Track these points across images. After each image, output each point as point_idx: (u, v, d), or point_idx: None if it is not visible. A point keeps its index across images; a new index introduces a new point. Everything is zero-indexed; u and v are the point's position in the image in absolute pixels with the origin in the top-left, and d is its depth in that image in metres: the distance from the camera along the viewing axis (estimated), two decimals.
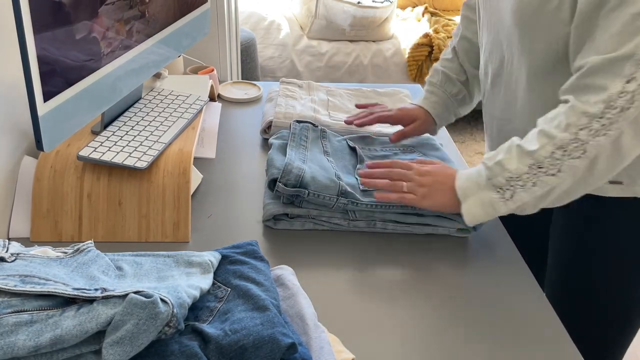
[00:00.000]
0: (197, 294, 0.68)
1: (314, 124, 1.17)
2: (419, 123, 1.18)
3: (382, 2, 3.07)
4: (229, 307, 0.69)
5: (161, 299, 0.60)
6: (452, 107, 1.20)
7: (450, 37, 3.06)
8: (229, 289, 0.72)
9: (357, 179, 1.04)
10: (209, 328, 0.65)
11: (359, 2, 3.03)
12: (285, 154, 1.06)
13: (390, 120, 1.18)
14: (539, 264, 1.16)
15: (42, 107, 0.79)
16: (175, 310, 0.61)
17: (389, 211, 0.98)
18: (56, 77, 0.80)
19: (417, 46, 3.05)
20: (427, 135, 1.22)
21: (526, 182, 0.85)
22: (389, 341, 0.78)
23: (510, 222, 1.04)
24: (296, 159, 1.02)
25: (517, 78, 0.97)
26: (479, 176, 0.90)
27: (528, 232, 1.16)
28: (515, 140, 0.88)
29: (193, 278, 0.72)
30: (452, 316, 0.83)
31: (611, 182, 0.93)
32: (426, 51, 3.04)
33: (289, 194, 0.96)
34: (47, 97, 0.79)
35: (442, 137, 1.33)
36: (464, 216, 0.91)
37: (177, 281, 0.70)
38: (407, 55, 3.07)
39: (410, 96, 1.46)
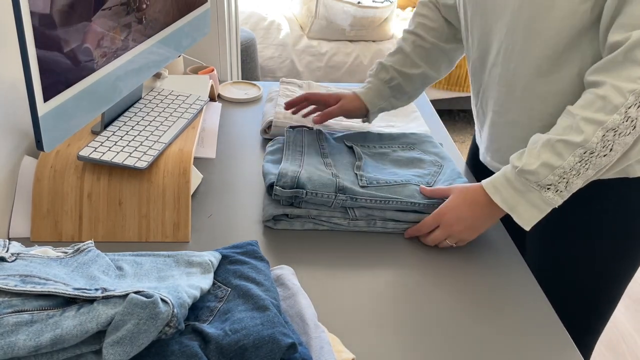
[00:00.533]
0: (197, 294, 0.68)
1: (308, 127, 1.19)
2: (343, 102, 1.21)
3: (382, 2, 3.07)
4: (229, 307, 0.69)
5: (161, 299, 0.60)
6: (385, 93, 1.21)
7: None
8: (229, 289, 0.72)
9: (356, 174, 1.04)
10: (209, 328, 0.65)
11: (359, 2, 3.03)
12: (279, 164, 1.06)
13: (332, 116, 1.21)
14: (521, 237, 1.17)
15: (42, 107, 0.79)
16: (175, 310, 0.61)
17: (389, 207, 0.98)
18: (56, 77, 0.80)
19: None
20: (426, 133, 1.24)
21: (579, 169, 0.85)
22: (389, 341, 0.78)
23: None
24: (291, 165, 1.02)
25: (517, 68, 0.95)
26: (516, 181, 0.88)
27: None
28: (543, 137, 0.88)
29: (193, 278, 0.72)
30: (452, 315, 0.83)
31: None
32: None
33: (287, 196, 0.96)
34: (47, 97, 0.79)
35: (442, 137, 1.33)
36: (520, 223, 0.89)
37: (178, 281, 0.70)
38: None
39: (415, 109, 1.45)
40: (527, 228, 0.89)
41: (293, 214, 0.98)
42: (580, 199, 0.96)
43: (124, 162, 0.93)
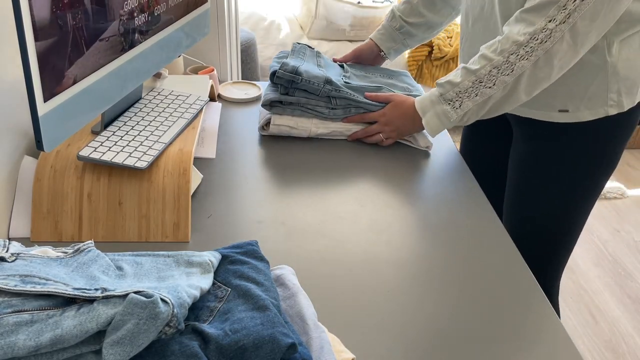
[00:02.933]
0: (197, 293, 0.68)
1: (310, 47, 1.43)
2: (358, 48, 1.49)
3: (382, 2, 3.07)
4: (229, 307, 0.69)
5: (161, 299, 0.60)
6: (396, 37, 1.46)
7: (451, 37, 3.07)
8: (229, 289, 0.72)
9: (341, 78, 1.33)
10: (209, 328, 0.65)
11: (359, 2, 3.03)
12: None
13: (346, 59, 1.50)
14: (497, 196, 1.40)
15: (42, 107, 0.79)
16: (175, 310, 0.61)
17: (362, 100, 1.26)
18: (56, 77, 0.80)
19: (417, 46, 3.04)
20: (405, 71, 1.51)
21: (470, 93, 1.10)
22: (389, 341, 0.78)
23: (475, 159, 1.42)
24: (292, 62, 1.27)
25: (495, 19, 1.15)
26: (432, 95, 1.17)
27: (489, 167, 1.44)
28: (461, 65, 1.14)
29: (193, 278, 0.72)
30: (452, 315, 0.83)
31: (559, 111, 1.15)
32: (426, 51, 3.04)
33: (286, 79, 1.21)
34: (47, 97, 0.79)
35: (443, 137, 1.33)
36: (425, 127, 1.19)
37: (177, 281, 0.70)
38: (407, 55, 3.07)
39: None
40: (431, 132, 1.18)
41: (287, 100, 1.23)
42: (546, 138, 1.21)
43: (124, 162, 0.93)
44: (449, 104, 1.13)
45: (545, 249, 1.31)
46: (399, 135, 1.25)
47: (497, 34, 1.14)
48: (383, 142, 1.26)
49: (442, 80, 1.15)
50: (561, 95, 1.14)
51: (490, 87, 1.08)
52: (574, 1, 0.98)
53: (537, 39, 1.02)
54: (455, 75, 1.13)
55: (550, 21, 1.00)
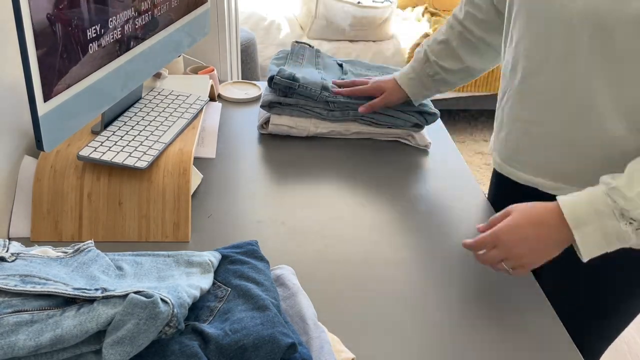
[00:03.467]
0: (197, 293, 0.68)
1: (310, 45, 1.42)
2: (386, 94, 1.23)
3: (382, 2, 3.07)
4: (229, 307, 0.69)
5: (161, 299, 0.60)
6: (428, 85, 1.21)
7: None
8: (229, 289, 0.72)
9: (340, 80, 1.30)
10: (209, 328, 0.65)
11: (359, 2, 3.03)
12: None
13: (365, 93, 1.25)
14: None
15: (42, 107, 0.79)
16: (175, 311, 0.61)
17: (360, 102, 1.24)
18: (56, 77, 0.80)
19: (417, 46, 3.04)
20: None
21: None
22: (389, 341, 0.78)
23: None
24: (290, 68, 1.27)
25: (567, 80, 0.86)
26: (601, 203, 0.77)
27: None
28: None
29: (193, 278, 0.72)
30: (452, 315, 0.83)
31: None
32: None
33: (283, 85, 1.21)
34: (47, 97, 0.79)
35: (443, 137, 1.33)
36: (579, 246, 0.78)
37: (177, 281, 0.70)
38: (407, 55, 3.07)
39: None
40: (585, 257, 0.78)
41: (285, 102, 1.23)
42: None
43: (124, 162, 0.93)
44: (631, 223, 0.75)
45: (592, 329, 1.02)
46: (538, 257, 0.81)
47: (561, 98, 0.87)
48: (510, 272, 0.84)
49: (621, 184, 0.76)
50: None
51: None
52: None
53: None
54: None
55: None
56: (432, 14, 3.36)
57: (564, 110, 0.87)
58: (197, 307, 0.70)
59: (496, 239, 0.81)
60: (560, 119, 0.89)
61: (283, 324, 0.65)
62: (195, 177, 1.08)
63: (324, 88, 1.23)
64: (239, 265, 0.76)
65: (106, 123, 1.02)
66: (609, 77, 0.82)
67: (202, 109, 1.14)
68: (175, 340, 0.63)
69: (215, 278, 0.75)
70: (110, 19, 0.91)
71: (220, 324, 0.66)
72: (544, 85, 0.90)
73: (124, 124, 1.03)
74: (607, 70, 0.81)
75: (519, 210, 0.82)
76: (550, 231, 0.79)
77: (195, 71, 1.48)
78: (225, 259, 0.78)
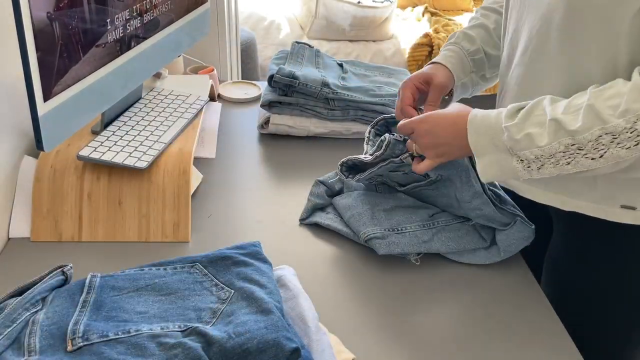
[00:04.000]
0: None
1: (309, 45, 1.41)
2: (436, 80, 1.00)
3: (382, 2, 3.06)
4: (233, 309, 0.69)
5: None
6: (467, 67, 1.03)
7: None
8: (233, 291, 0.72)
9: (340, 79, 1.30)
10: (212, 330, 0.65)
11: (359, 2, 3.03)
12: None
13: (411, 88, 1.01)
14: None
15: (42, 107, 0.79)
16: None
17: (360, 100, 1.23)
18: (56, 77, 0.80)
19: (417, 46, 3.04)
20: (404, 69, 1.43)
21: (559, 159, 0.75)
22: (389, 341, 0.78)
23: None
24: (290, 67, 1.26)
25: (542, 71, 0.84)
26: (495, 134, 0.79)
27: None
28: (548, 108, 0.76)
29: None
30: (452, 316, 0.83)
31: (623, 207, 0.83)
32: (426, 51, 3.04)
33: (283, 83, 1.20)
34: (47, 97, 0.79)
35: None
36: (478, 173, 0.82)
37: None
38: (407, 55, 3.07)
39: None
40: (484, 180, 0.83)
41: (285, 101, 1.22)
42: (601, 233, 0.88)
43: (124, 162, 0.93)
44: (521, 162, 0.78)
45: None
46: (436, 153, 0.86)
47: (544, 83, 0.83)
48: (418, 166, 0.88)
49: (515, 122, 0.77)
50: (630, 185, 0.82)
51: (593, 159, 0.73)
52: None
53: None
54: (537, 121, 0.76)
55: None
56: (432, 14, 3.36)
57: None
58: (200, 309, 0.70)
59: (414, 126, 0.87)
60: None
61: (287, 327, 0.65)
62: (195, 177, 1.08)
63: (324, 84, 1.22)
64: (242, 267, 0.76)
65: (106, 123, 1.02)
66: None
67: (202, 109, 1.14)
68: (178, 342, 0.63)
69: (218, 279, 0.74)
70: (110, 18, 0.91)
71: (223, 326, 0.66)
72: (523, 78, 0.88)
73: (124, 124, 1.03)
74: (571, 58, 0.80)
75: (437, 112, 0.88)
76: (455, 141, 0.84)
77: (195, 71, 1.48)
78: (228, 260, 0.77)
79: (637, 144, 0.70)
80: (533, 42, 0.84)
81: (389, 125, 1.04)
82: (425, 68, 1.04)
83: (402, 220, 0.94)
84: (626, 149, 0.71)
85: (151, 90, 1.17)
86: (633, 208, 0.83)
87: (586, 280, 0.93)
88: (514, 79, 0.90)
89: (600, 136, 0.71)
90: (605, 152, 0.72)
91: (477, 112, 0.82)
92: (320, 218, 1.00)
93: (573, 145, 0.73)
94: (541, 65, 0.84)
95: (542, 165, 0.76)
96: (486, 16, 1.06)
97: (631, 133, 0.70)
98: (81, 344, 0.64)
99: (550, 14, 0.80)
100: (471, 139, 0.81)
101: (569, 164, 0.75)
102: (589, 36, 0.77)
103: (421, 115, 0.88)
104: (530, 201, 0.92)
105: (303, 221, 1.01)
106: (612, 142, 0.71)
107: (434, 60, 1.05)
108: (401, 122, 0.90)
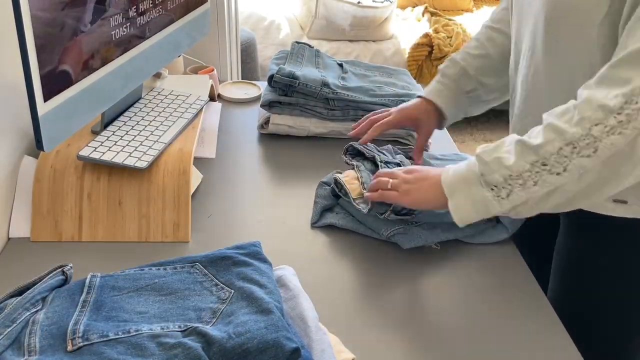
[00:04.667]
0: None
1: (309, 45, 1.42)
2: (424, 128, 1.08)
3: (382, 2, 3.06)
4: (233, 309, 0.69)
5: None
6: (462, 105, 1.09)
7: (451, 37, 3.07)
8: (233, 291, 0.72)
9: (340, 80, 1.30)
10: (212, 330, 0.65)
11: (359, 2, 3.03)
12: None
13: (390, 125, 1.09)
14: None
15: (42, 107, 0.79)
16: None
17: (360, 100, 1.23)
18: (56, 76, 0.80)
19: (417, 46, 3.04)
20: (404, 69, 1.44)
21: (527, 180, 0.76)
22: (389, 341, 0.78)
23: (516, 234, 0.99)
24: (290, 67, 1.26)
25: (536, 74, 0.89)
26: (469, 171, 0.82)
27: (532, 243, 1.05)
28: (514, 136, 0.80)
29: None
30: (452, 315, 0.83)
31: (615, 201, 0.85)
32: (426, 51, 3.04)
33: (283, 83, 1.20)
34: (47, 97, 0.79)
35: (443, 137, 1.33)
36: (452, 214, 0.83)
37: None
38: (407, 55, 3.07)
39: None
40: (459, 222, 0.83)
41: (285, 101, 1.22)
42: (608, 239, 0.90)
43: (124, 162, 0.93)
44: (492, 189, 0.79)
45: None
46: (414, 201, 0.88)
47: (539, 89, 0.87)
48: (383, 195, 0.90)
49: (487, 148, 0.82)
50: None
51: (558, 174, 0.75)
52: None
53: (637, 103, 0.70)
54: (505, 149, 0.79)
55: None
56: (432, 14, 3.36)
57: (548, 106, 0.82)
58: (200, 308, 0.70)
59: (393, 174, 0.91)
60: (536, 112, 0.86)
61: (287, 327, 0.65)
62: (195, 177, 1.08)
63: (324, 84, 1.22)
64: (242, 266, 0.76)
65: (106, 123, 1.02)
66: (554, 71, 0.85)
67: (202, 108, 1.14)
68: (178, 342, 0.63)
69: (218, 279, 0.74)
70: (110, 18, 0.91)
71: (223, 326, 0.66)
72: (525, 79, 0.91)
73: (124, 124, 1.03)
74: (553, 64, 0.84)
75: (426, 168, 0.92)
76: (434, 190, 0.85)
77: (195, 71, 1.48)
78: (228, 260, 0.77)
79: (596, 151, 0.72)
80: (529, 44, 0.89)
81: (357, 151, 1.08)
82: (413, 105, 1.08)
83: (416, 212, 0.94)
84: (587, 157, 0.73)
85: (151, 90, 1.17)
86: (624, 202, 0.85)
87: (590, 281, 0.94)
88: (520, 80, 0.93)
89: (561, 148, 0.74)
90: (568, 165, 0.74)
91: (450, 166, 0.87)
92: (333, 219, 1.00)
93: (537, 161, 0.76)
94: (535, 68, 0.88)
95: (511, 190, 0.78)
96: (491, 40, 1.07)
97: (589, 139, 0.73)
98: (81, 344, 0.64)
99: (537, 17, 0.84)
100: (444, 177, 0.84)
101: (535, 184, 0.76)
102: (567, 40, 0.81)
103: (406, 168, 0.93)
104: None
105: (315, 224, 1.00)
106: (572, 152, 0.74)
107: (426, 94, 1.08)
108: (385, 171, 0.93)
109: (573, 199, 0.78)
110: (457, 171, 0.84)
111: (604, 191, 0.76)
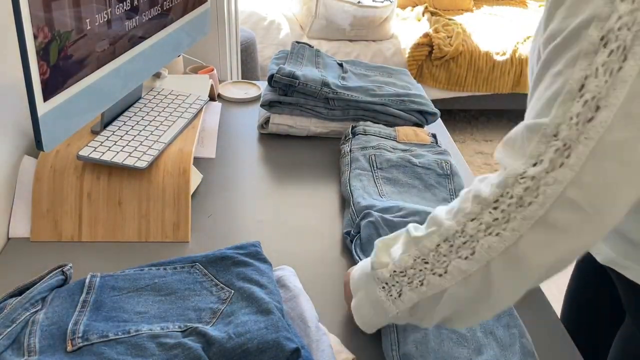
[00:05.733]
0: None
1: (309, 45, 1.42)
2: None
3: (382, 2, 3.07)
4: (233, 309, 0.69)
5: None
6: None
7: (451, 37, 3.07)
8: (233, 291, 0.72)
9: (340, 79, 1.30)
10: (212, 330, 0.65)
11: (359, 2, 3.03)
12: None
13: None
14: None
15: (42, 107, 0.79)
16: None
17: (361, 100, 1.23)
18: (56, 76, 0.80)
19: (417, 46, 3.04)
20: (404, 69, 1.45)
21: (412, 278, 0.62)
22: None
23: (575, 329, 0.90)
24: (290, 67, 1.26)
25: None
26: (367, 262, 0.70)
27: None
28: (411, 224, 0.67)
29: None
30: None
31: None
32: (426, 51, 3.04)
33: (284, 83, 1.21)
34: (47, 96, 0.79)
35: (442, 137, 1.33)
36: (354, 315, 0.72)
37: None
38: (407, 55, 3.07)
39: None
40: (361, 326, 0.71)
41: (285, 101, 1.23)
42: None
43: (124, 162, 0.93)
44: (383, 288, 0.65)
45: None
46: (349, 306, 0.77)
47: None
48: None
49: (382, 239, 0.70)
50: None
51: (440, 276, 0.60)
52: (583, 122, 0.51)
53: (512, 197, 0.55)
54: (396, 236, 0.69)
55: (534, 164, 0.54)
56: (432, 14, 3.36)
57: None
58: (200, 309, 0.70)
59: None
60: None
61: (287, 328, 0.65)
62: (195, 177, 1.08)
63: (324, 84, 1.22)
64: (242, 267, 0.76)
65: (106, 123, 1.02)
66: None
67: (201, 108, 1.14)
68: (178, 342, 0.63)
69: (218, 280, 0.74)
70: (110, 18, 0.91)
71: (223, 326, 0.66)
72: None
73: (124, 124, 1.03)
74: None
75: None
76: (349, 290, 0.75)
77: (195, 71, 1.48)
78: (228, 260, 0.77)
79: (474, 253, 0.57)
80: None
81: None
82: None
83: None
84: (465, 259, 0.58)
85: (151, 90, 1.17)
86: None
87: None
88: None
89: (439, 245, 0.60)
90: (448, 265, 0.59)
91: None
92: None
93: (419, 257, 0.62)
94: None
95: (401, 289, 0.64)
96: None
97: (464, 237, 0.58)
98: (81, 344, 0.64)
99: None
100: (352, 277, 0.74)
101: (422, 283, 0.62)
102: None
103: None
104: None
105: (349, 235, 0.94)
106: (450, 251, 0.59)
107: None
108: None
109: (472, 309, 0.61)
110: (362, 263, 0.72)
111: (496, 306, 0.60)
